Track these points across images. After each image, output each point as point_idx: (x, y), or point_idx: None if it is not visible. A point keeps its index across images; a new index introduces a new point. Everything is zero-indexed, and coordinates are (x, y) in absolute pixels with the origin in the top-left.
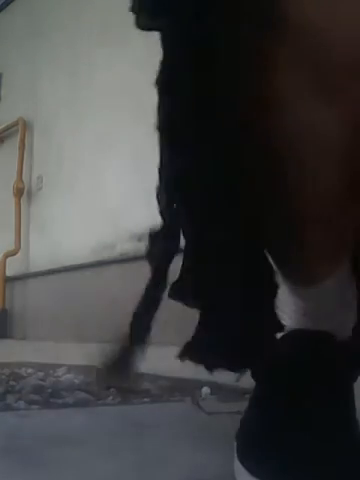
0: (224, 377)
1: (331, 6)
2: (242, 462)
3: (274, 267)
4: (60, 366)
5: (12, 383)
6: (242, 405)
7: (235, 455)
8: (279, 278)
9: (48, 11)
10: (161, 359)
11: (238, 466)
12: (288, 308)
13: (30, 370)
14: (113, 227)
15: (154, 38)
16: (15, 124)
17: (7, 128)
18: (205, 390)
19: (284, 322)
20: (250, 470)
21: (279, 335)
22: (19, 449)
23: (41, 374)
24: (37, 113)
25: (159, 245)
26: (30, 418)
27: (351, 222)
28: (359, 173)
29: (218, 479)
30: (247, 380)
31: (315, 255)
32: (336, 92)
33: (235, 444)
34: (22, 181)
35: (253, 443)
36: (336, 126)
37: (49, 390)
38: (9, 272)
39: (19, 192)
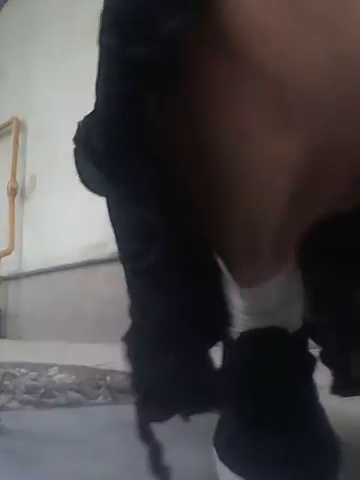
0: None
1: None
2: (222, 460)
3: (223, 270)
4: (52, 366)
5: (6, 383)
6: None
7: (215, 453)
8: (228, 281)
9: (42, 12)
10: None
11: (219, 464)
12: (236, 309)
13: (23, 370)
14: (105, 227)
15: None
16: (9, 124)
17: (1, 128)
18: None
19: (235, 324)
20: (231, 467)
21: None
22: (12, 448)
23: (34, 374)
24: (31, 113)
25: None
26: (23, 418)
27: (299, 227)
28: (313, 188)
29: (213, 479)
30: None
31: (262, 259)
32: (291, 124)
33: (214, 442)
34: (15, 181)
35: (230, 442)
36: (289, 154)
37: (42, 390)
38: (2, 272)
39: (13, 192)
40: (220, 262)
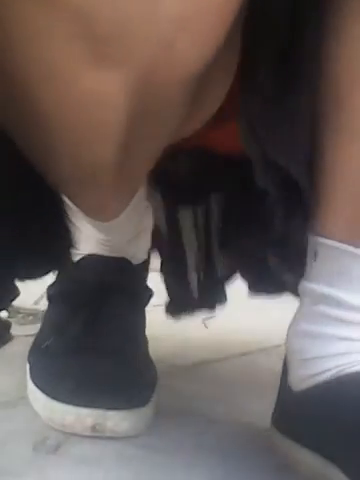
0: (22, 300)
1: None
2: (36, 383)
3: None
4: None
5: None
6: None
7: (28, 376)
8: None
9: None
10: None
11: (32, 387)
12: (83, 234)
13: None
14: None
15: None
16: None
17: None
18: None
19: (79, 246)
20: (45, 391)
21: (75, 258)
22: None
23: None
24: None
25: None
26: None
27: (141, 163)
28: (145, 125)
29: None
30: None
31: (106, 198)
32: (109, 57)
33: (28, 365)
34: None
35: (49, 363)
36: (113, 88)
37: None
38: None
39: None
40: (66, 198)
